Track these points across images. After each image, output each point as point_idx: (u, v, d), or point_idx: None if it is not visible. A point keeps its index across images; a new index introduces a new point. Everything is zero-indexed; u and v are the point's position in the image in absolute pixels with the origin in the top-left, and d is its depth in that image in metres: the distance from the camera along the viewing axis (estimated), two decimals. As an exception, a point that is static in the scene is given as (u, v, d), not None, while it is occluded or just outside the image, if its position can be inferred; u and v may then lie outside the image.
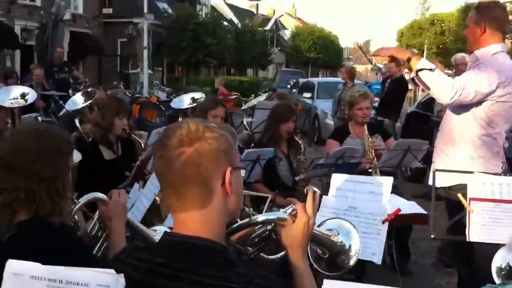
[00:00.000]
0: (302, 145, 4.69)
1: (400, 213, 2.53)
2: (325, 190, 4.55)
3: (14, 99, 4.47)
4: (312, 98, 14.22)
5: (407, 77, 9.56)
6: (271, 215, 1.73)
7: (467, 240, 2.54)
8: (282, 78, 25.83)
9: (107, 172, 4.02)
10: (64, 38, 17.44)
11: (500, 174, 2.84)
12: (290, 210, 1.69)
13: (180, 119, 6.20)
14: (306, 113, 9.52)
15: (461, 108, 3.38)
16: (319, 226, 1.83)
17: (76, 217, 2.29)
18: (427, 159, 4.64)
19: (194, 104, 6.21)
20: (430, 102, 8.24)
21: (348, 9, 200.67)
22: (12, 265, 1.35)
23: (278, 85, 22.20)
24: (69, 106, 5.84)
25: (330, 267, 1.84)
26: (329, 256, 1.84)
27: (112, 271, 1.36)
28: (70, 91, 10.96)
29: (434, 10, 35.06)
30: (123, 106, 4.39)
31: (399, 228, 3.82)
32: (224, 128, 1.52)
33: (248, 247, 1.80)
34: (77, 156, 3.23)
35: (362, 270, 4.03)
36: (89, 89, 6.08)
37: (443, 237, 2.99)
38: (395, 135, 8.19)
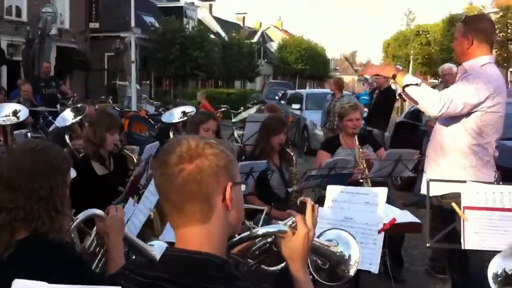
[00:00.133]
0: (294, 157, 4.70)
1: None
2: (318, 201, 4.60)
3: (6, 116, 4.45)
4: (300, 109, 14.28)
5: (393, 87, 9.66)
6: (272, 228, 1.74)
7: (462, 248, 2.57)
8: (270, 90, 25.94)
9: (99, 187, 4.01)
10: (50, 53, 17.43)
11: (493, 183, 2.88)
12: (290, 223, 1.71)
13: (171, 133, 6.21)
14: (295, 124, 9.57)
15: (451, 119, 3.42)
16: (318, 237, 1.85)
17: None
18: (416, 167, 4.70)
19: (185, 118, 6.23)
20: (418, 112, 8.31)
21: (334, 20, 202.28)
22: (17, 285, 1.35)
23: (266, 97, 22.30)
24: (59, 122, 5.82)
25: (331, 277, 1.86)
26: (329, 266, 1.86)
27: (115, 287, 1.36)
28: (58, 106, 10.95)
29: (419, 21, 35.44)
30: (114, 121, 4.39)
31: (392, 236, 3.85)
32: (224, 144, 1.53)
33: (248, 260, 1.82)
34: (72, 173, 3.23)
35: (357, 280, 4.04)
36: (78, 105, 6.07)
37: (439, 245, 3.02)
38: (384, 145, 8.24)
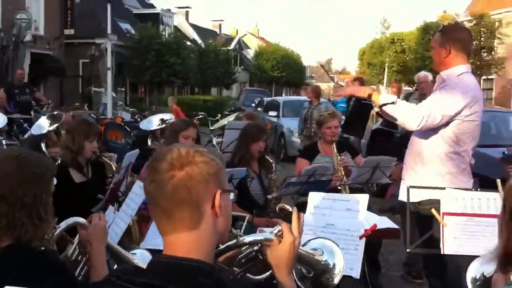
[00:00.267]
0: (273, 164, 4.72)
1: (374, 228, 2.59)
2: (297, 208, 4.62)
3: (-18, 124, 4.39)
4: (277, 116, 14.35)
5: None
6: (258, 236, 1.75)
7: (442, 252, 2.62)
8: (247, 97, 25.96)
9: (77, 195, 3.98)
10: (25, 59, 17.22)
11: (471, 189, 2.94)
12: (276, 231, 1.73)
13: (149, 140, 6.20)
14: (272, 131, 9.61)
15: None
16: (303, 245, 1.86)
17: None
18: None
19: (163, 125, 6.23)
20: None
21: (310, 28, 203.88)
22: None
23: (243, 104, 22.32)
24: (35, 130, 5.76)
25: (315, 286, 1.88)
26: (314, 275, 1.87)
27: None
28: (32, 113, 10.81)
29: (394, 29, 35.90)
30: (93, 129, 4.37)
31: (369, 242, 3.89)
32: (213, 152, 1.55)
33: (234, 268, 1.82)
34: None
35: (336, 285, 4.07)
36: (55, 113, 6.01)
37: (419, 250, 3.07)
38: (361, 152, 8.35)
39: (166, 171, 1.44)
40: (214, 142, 6.85)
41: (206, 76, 35.74)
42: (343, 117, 9.43)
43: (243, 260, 1.84)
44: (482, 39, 27.25)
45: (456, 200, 2.64)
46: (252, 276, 1.89)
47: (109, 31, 17.00)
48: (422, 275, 4.82)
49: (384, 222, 3.11)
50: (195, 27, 45.50)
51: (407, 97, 11.66)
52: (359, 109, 9.72)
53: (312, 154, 5.07)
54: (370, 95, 3.46)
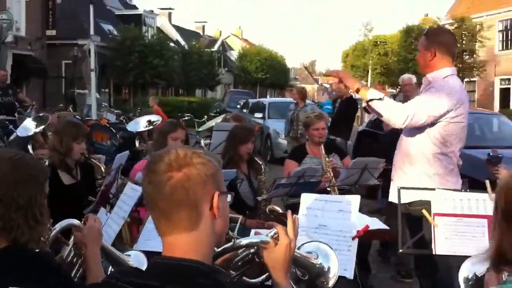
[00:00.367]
0: (262, 166, 4.74)
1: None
2: (286, 209, 4.65)
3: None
4: (263, 118, 14.38)
5: (355, 96, 9.86)
6: (255, 239, 1.78)
7: (434, 253, 2.66)
8: (231, 99, 25.97)
9: (67, 197, 3.95)
10: (7, 60, 17.03)
11: (460, 190, 2.99)
12: (272, 233, 1.74)
13: (136, 142, 6.18)
14: (259, 133, 9.63)
15: (416, 128, 3.53)
16: (298, 249, 1.88)
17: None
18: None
19: (151, 127, 6.22)
20: (379, 120, 8.50)
21: (294, 30, 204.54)
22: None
23: (228, 106, 22.34)
24: (21, 132, 5.72)
25: None
26: (309, 278, 1.89)
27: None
28: (16, 115, 10.69)
29: (377, 32, 36.12)
30: (81, 130, 4.34)
31: (360, 243, 3.93)
32: (210, 154, 1.57)
33: (231, 271, 1.84)
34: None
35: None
36: (41, 114, 5.97)
37: (411, 251, 3.11)
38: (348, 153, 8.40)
39: (164, 172, 1.45)
40: (202, 144, 6.85)
41: (190, 77, 35.67)
42: (329, 119, 9.48)
43: (240, 263, 1.85)
44: (463, 42, 27.56)
45: (446, 201, 2.69)
46: (247, 280, 1.90)
47: (92, 32, 16.90)
48: (412, 274, 4.87)
49: (375, 223, 3.14)
50: (178, 29, 45.39)
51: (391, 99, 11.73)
52: (345, 110, 9.79)
53: (300, 156, 5.10)
54: (358, 90, 3.52)
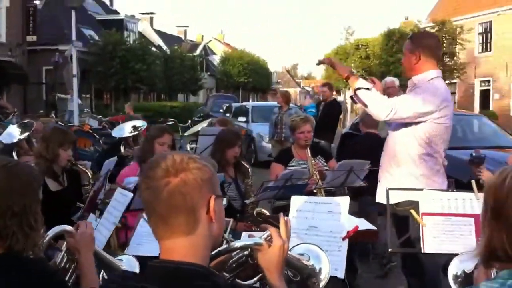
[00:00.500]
0: (249, 169, 4.76)
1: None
2: (273, 212, 4.67)
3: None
4: (247, 122, 14.41)
5: (338, 99, 9.95)
6: (248, 241, 1.80)
7: (422, 252, 2.71)
8: (214, 103, 25.91)
9: (54, 204, 3.93)
10: (-13, 67, 16.83)
11: (447, 190, 3.05)
12: (265, 236, 1.77)
13: (122, 148, 6.16)
14: (245, 137, 9.65)
15: (402, 129, 3.59)
16: (289, 251, 1.91)
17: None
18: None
19: (136, 132, 6.20)
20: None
21: (276, 34, 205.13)
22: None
23: (211, 110, 22.28)
24: (5, 139, 5.67)
25: None
26: (300, 279, 1.93)
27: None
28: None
29: (358, 36, 36.35)
30: (67, 137, 4.34)
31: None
32: (205, 159, 1.60)
33: (224, 273, 1.86)
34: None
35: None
36: (26, 121, 5.94)
37: (400, 250, 3.15)
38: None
39: (161, 178, 1.47)
40: (188, 148, 6.85)
41: (172, 82, 35.56)
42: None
43: (234, 265, 1.87)
44: (444, 45, 27.88)
45: (434, 201, 2.74)
46: (241, 282, 1.92)
47: (73, 37, 16.78)
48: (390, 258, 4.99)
49: (363, 224, 3.18)
50: (160, 33, 45.25)
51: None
52: (329, 113, 9.87)
53: (286, 159, 5.14)
54: (348, 77, 3.59)
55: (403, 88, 9.27)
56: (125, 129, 6.35)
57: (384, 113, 3.47)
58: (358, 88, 3.53)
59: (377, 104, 3.51)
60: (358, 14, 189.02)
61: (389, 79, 8.10)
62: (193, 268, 1.46)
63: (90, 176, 4.31)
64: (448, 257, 3.61)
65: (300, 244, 2.03)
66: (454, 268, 2.15)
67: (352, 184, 4.80)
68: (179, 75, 35.82)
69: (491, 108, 30.50)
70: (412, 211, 2.76)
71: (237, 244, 1.79)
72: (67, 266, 2.17)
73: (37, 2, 27.81)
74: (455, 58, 29.42)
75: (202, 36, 56.35)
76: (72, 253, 2.17)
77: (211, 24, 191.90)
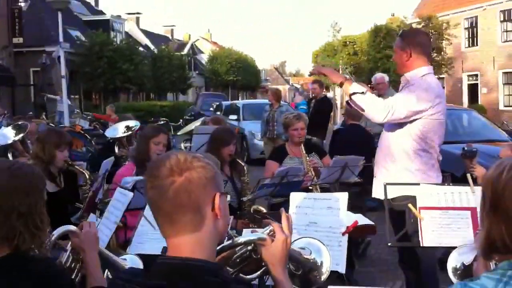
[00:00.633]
0: (245, 167, 4.79)
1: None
2: (270, 209, 4.71)
3: None
4: (238, 120, 14.44)
5: (329, 95, 10.00)
6: (252, 236, 1.83)
7: (421, 245, 2.76)
8: (204, 102, 25.92)
9: (52, 205, 3.92)
10: (-26, 69, 16.69)
11: (444, 184, 3.10)
12: (267, 231, 1.81)
13: (116, 148, 6.17)
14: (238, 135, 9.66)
15: (397, 125, 3.64)
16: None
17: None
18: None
19: (129, 133, 6.21)
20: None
21: (263, 32, 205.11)
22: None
23: (201, 109, 22.28)
24: (0, 140, 5.66)
25: (303, 283, 1.96)
26: (302, 272, 1.96)
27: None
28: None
29: (345, 32, 36.39)
30: (63, 138, 4.34)
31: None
32: (208, 157, 1.63)
33: (228, 268, 1.89)
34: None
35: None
36: (20, 122, 5.93)
37: (399, 244, 3.20)
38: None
39: (166, 177, 1.50)
40: (182, 147, 6.86)
41: (161, 81, 35.46)
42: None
43: (238, 260, 1.91)
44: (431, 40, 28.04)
45: (431, 195, 2.79)
46: (244, 276, 1.96)
47: (61, 39, 16.70)
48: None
49: (361, 219, 3.23)
50: (147, 33, 45.09)
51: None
52: (320, 110, 9.92)
53: (281, 156, 5.17)
54: (342, 83, 3.62)
55: (392, 84, 9.36)
56: (119, 130, 6.36)
57: (381, 115, 3.51)
58: (353, 93, 3.56)
59: (374, 107, 3.54)
60: (344, 11, 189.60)
61: (378, 75, 8.17)
62: (201, 263, 1.50)
63: (87, 176, 4.31)
64: (444, 251, 3.69)
65: (301, 238, 2.06)
66: (453, 261, 2.19)
67: (347, 179, 4.85)
68: (167, 74, 35.74)
69: (479, 102, 30.74)
70: (410, 206, 2.81)
71: (241, 239, 1.82)
72: (73, 265, 2.19)
73: (22, 4, 27.60)
74: (442, 53, 29.59)
75: (189, 35, 56.20)
76: (77, 252, 2.19)
77: (197, 23, 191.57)
